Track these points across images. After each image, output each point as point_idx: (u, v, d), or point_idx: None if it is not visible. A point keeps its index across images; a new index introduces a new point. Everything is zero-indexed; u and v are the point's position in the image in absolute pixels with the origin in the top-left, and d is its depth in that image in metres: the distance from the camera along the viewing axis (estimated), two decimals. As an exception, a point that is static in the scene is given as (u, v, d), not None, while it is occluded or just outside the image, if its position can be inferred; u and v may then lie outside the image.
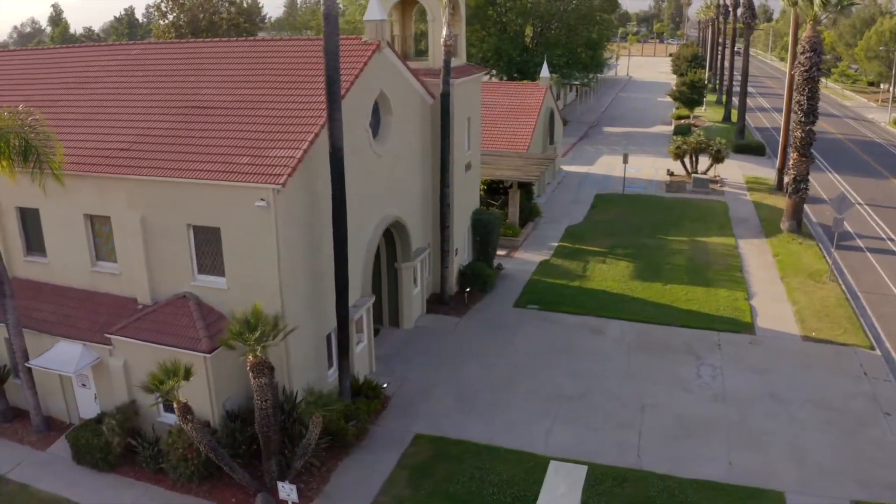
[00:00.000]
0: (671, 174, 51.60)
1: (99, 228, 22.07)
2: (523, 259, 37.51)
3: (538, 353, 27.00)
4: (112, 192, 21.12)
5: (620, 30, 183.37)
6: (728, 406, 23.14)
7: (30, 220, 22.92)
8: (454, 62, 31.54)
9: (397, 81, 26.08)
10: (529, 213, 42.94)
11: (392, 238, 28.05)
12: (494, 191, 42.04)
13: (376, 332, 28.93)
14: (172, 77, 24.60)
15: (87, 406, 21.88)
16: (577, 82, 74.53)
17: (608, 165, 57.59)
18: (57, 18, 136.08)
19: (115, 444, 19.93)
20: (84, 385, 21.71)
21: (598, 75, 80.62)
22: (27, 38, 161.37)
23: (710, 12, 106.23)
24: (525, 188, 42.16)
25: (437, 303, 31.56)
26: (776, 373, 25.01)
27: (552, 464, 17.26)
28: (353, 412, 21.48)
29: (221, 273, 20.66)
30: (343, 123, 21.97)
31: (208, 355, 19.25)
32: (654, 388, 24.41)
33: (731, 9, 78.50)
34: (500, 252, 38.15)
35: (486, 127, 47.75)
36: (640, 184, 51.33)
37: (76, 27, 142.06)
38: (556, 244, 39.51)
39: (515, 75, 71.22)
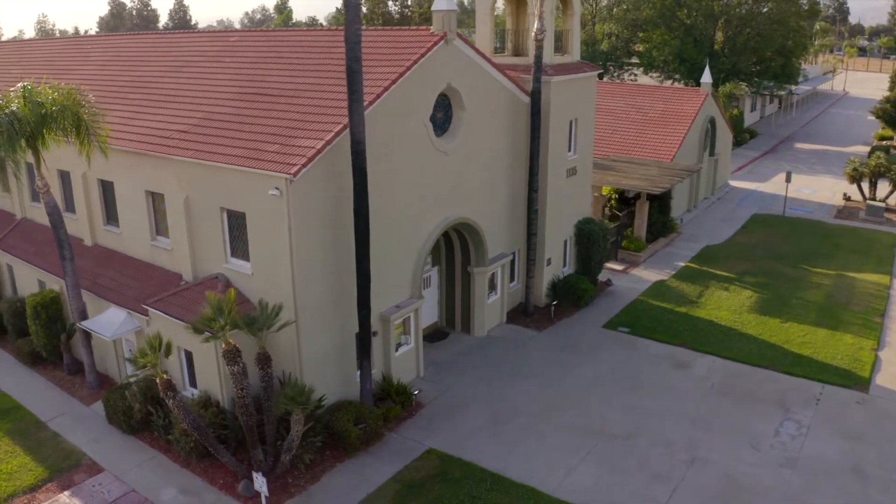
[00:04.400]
0: (847, 198, 45.04)
1: (158, 205, 23.21)
2: (639, 277, 34.54)
3: (602, 382, 24.55)
4: (166, 171, 22.07)
5: (844, 42, 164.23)
6: (796, 474, 19.42)
7: (108, 193, 24.68)
8: (564, 59, 29.73)
9: (475, 76, 24.78)
10: (662, 228, 39.45)
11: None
12: (626, 201, 39.13)
13: (445, 336, 28.03)
14: (252, 64, 25.31)
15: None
16: (766, 92, 67.52)
17: (782, 184, 51.46)
18: (282, 6, 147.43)
19: (136, 409, 20.87)
20: (131, 350, 22.98)
21: (792, 87, 72.43)
22: (257, 24, 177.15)
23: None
24: (658, 200, 38.81)
25: (522, 313, 29.87)
26: (872, 442, 20.65)
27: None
28: (363, 415, 20.75)
29: (248, 258, 20.83)
30: (392, 116, 21.50)
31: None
32: (717, 439, 21.14)
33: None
34: (616, 267, 35.56)
35: (633, 132, 44.96)
36: (809, 206, 45.35)
37: (302, 16, 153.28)
38: (682, 264, 35.95)
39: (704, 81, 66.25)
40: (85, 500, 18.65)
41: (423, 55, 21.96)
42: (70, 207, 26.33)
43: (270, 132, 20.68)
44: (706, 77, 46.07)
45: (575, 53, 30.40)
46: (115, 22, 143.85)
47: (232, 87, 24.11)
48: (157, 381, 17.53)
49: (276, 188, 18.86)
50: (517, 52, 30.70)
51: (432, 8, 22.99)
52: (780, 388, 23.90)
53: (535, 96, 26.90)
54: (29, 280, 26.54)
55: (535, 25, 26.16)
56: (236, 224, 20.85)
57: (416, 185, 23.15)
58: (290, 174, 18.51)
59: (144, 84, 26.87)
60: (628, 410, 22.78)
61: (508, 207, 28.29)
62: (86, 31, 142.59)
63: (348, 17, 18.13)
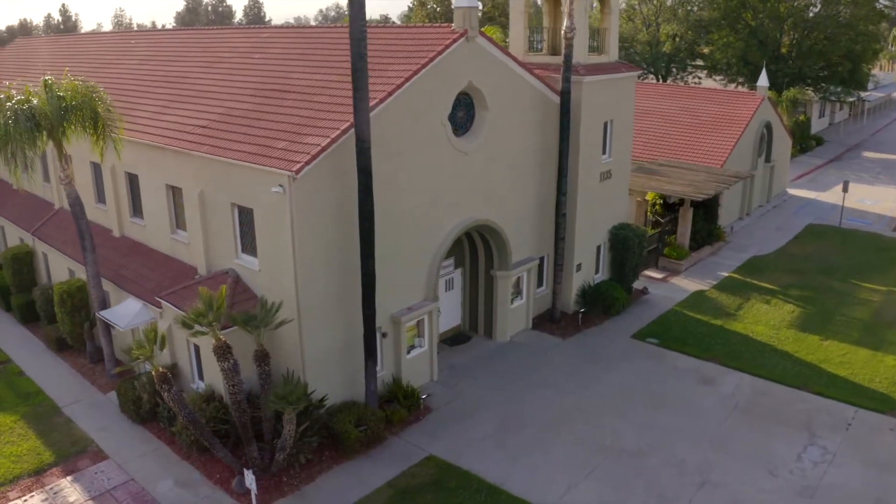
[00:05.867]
0: (911, 211, 42.57)
1: (178, 199, 23.47)
2: (679, 286, 33.30)
3: (621, 395, 23.65)
4: (184, 165, 22.28)
5: None
6: (812, 504, 18.27)
7: (134, 185, 25.13)
8: (601, 59, 28.88)
9: (500, 75, 24.18)
10: (708, 236, 38.00)
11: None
12: (670, 207, 37.82)
13: (467, 339, 27.57)
14: (279, 61, 25.38)
15: (148, 361, 23.50)
16: (833, 98, 64.43)
17: (843, 194, 49.03)
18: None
19: (144, 400, 21.16)
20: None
21: (862, 93, 68.99)
22: (331, 21, 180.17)
23: None
24: (704, 207, 37.37)
25: (548, 320, 29.11)
26: (901, 476, 19.26)
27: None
28: (365, 417, 20.49)
29: (256, 254, 20.83)
30: (407, 114, 21.18)
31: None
32: (733, 462, 20.06)
33: None
34: (656, 275, 34.44)
35: (684, 136, 43.57)
36: (868, 218, 43.01)
37: (374, 13, 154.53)
38: (725, 274, 34.52)
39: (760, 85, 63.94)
40: (85, 487, 18.99)
41: (439, 52, 21.54)
42: (101, 199, 26.96)
43: (283, 129, 20.64)
44: (762, 80, 44.20)
45: (612, 53, 29.45)
46: (190, 17, 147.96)
47: (255, 84, 24.22)
48: (154, 373, 17.64)
49: (280, 185, 18.76)
50: (553, 50, 29.99)
51: (453, 5, 22.55)
52: (809, 409, 22.57)
53: (565, 96, 26.16)
54: (60, 268, 27.32)
55: (565, 23, 25.41)
56: (246, 220, 20.89)
57: (432, 185, 22.73)
58: (292, 171, 18.38)
59: (176, 79, 27.31)
60: (644, 426, 21.87)
61: (536, 210, 27.57)
62: (162, 26, 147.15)
63: (352, 13, 17.87)
